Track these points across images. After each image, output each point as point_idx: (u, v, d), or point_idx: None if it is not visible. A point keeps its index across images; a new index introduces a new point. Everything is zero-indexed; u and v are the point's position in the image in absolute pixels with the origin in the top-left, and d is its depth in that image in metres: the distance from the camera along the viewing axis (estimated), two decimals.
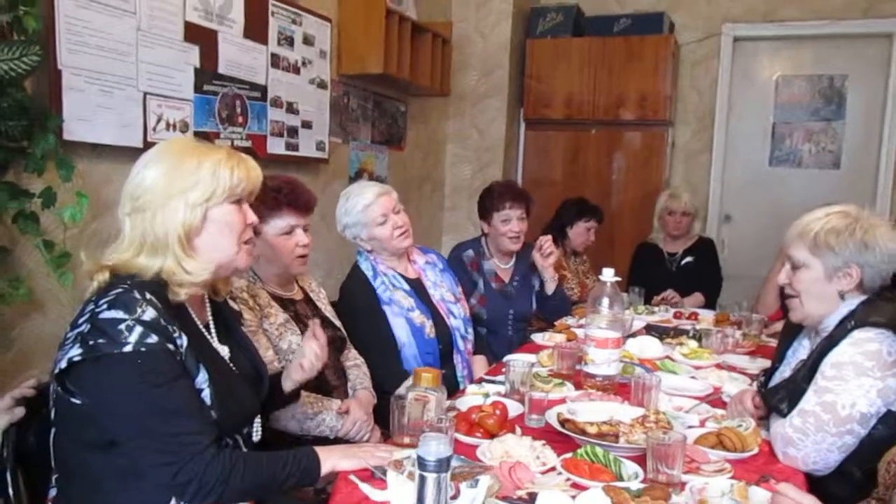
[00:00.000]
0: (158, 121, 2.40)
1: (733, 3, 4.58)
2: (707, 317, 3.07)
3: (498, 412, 1.58)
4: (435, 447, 1.02)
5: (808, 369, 1.56)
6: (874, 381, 1.45)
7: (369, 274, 2.33)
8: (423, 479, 1.05)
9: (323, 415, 1.80)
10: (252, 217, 1.41)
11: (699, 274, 3.69)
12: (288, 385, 1.62)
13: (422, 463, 1.04)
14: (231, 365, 1.42)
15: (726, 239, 4.69)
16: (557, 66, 4.56)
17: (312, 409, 1.80)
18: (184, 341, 1.26)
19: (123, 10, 2.23)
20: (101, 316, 1.20)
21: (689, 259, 3.72)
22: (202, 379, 1.28)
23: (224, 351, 1.41)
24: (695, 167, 4.74)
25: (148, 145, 2.29)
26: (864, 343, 1.48)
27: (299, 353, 1.62)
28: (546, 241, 2.82)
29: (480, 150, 4.67)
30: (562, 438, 1.55)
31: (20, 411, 1.34)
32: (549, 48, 4.58)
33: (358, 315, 2.23)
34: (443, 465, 1.03)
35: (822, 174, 4.54)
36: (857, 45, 4.41)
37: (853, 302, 1.60)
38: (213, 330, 1.43)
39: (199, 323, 1.38)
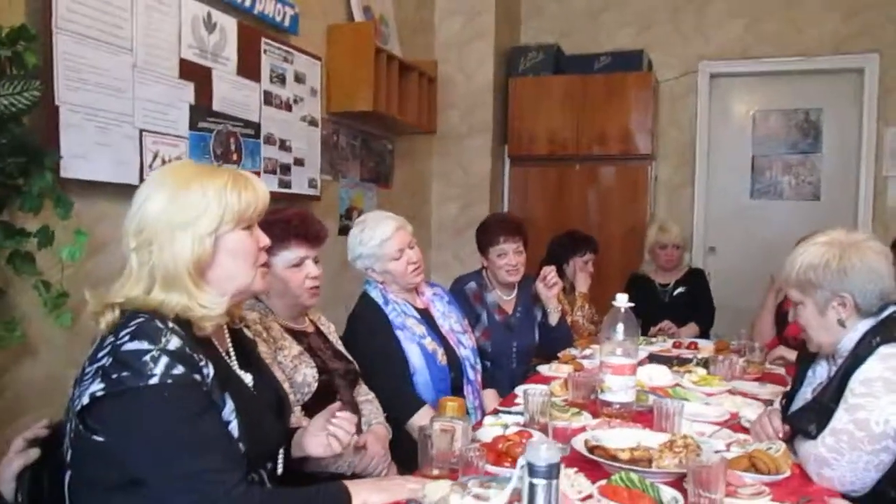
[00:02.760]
0: (154, 157, 2.36)
1: (709, 42, 4.72)
2: (707, 346, 3.06)
3: (525, 441, 1.54)
4: (545, 452, 0.98)
5: (835, 389, 1.55)
6: None
7: (380, 301, 2.31)
8: (532, 488, 1.00)
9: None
10: (265, 240, 1.36)
11: (692, 304, 3.71)
12: (297, 452, 1.49)
13: (532, 469, 0.99)
14: (255, 393, 1.36)
15: (712, 270, 4.71)
16: (540, 103, 4.63)
17: None
18: (210, 371, 1.21)
19: (119, 46, 2.21)
20: (124, 348, 1.14)
21: (681, 290, 3.74)
22: (229, 410, 1.23)
23: (248, 378, 1.36)
24: (678, 200, 4.81)
25: None
26: (892, 358, 1.48)
27: (315, 425, 1.46)
28: (550, 272, 2.81)
29: (466, 187, 4.69)
30: (590, 466, 1.50)
31: (35, 452, 1.26)
32: (532, 86, 4.65)
33: (371, 339, 2.19)
34: (553, 470, 0.98)
35: (802, 206, 4.64)
36: (830, 79, 4.56)
37: (857, 326, 1.61)
38: (233, 357, 1.37)
39: (221, 350, 1.33)
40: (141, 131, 2.30)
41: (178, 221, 1.23)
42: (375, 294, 2.33)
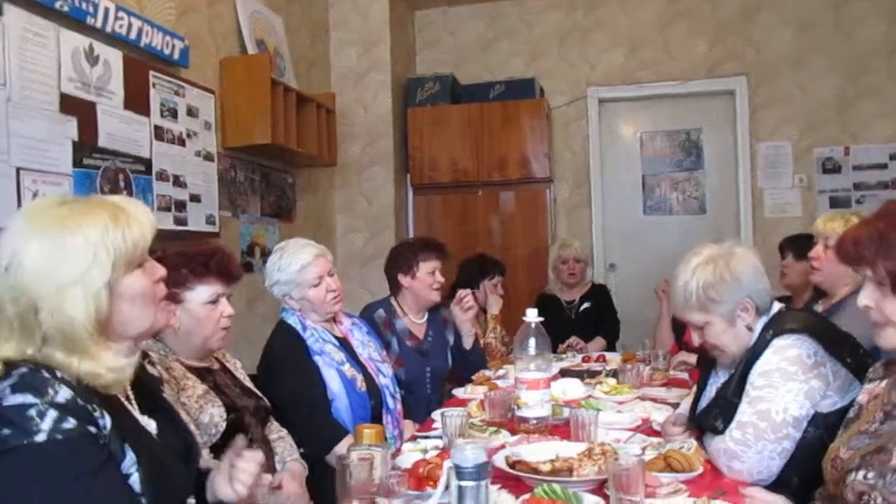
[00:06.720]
0: (34, 197, 2.21)
1: (594, 69, 4.95)
2: (614, 358, 3.15)
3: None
4: (471, 452, 0.95)
5: (737, 383, 1.62)
6: (800, 384, 1.52)
7: (298, 327, 2.25)
8: (461, 491, 0.96)
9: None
10: (160, 271, 1.26)
11: (598, 319, 3.82)
12: (211, 497, 1.37)
13: (459, 472, 0.95)
14: (159, 441, 1.26)
15: (613, 285, 4.89)
16: (439, 132, 4.70)
17: None
18: (107, 421, 1.10)
19: None
20: (6, 403, 1.03)
21: (586, 305, 3.85)
22: (129, 462, 1.12)
23: (151, 426, 1.26)
24: (577, 220, 4.97)
25: None
26: (785, 350, 1.56)
27: (223, 467, 1.35)
28: (466, 294, 2.83)
29: (370, 218, 4.67)
30: (512, 482, 1.50)
31: None
32: (430, 115, 4.71)
33: (287, 367, 2.12)
34: (481, 471, 0.95)
35: (690, 219, 4.90)
36: (705, 101, 4.86)
37: (757, 326, 1.69)
38: (133, 402, 1.27)
39: (120, 396, 1.23)
40: (18, 169, 2.16)
41: (65, 280, 1.10)
42: (293, 321, 2.27)
